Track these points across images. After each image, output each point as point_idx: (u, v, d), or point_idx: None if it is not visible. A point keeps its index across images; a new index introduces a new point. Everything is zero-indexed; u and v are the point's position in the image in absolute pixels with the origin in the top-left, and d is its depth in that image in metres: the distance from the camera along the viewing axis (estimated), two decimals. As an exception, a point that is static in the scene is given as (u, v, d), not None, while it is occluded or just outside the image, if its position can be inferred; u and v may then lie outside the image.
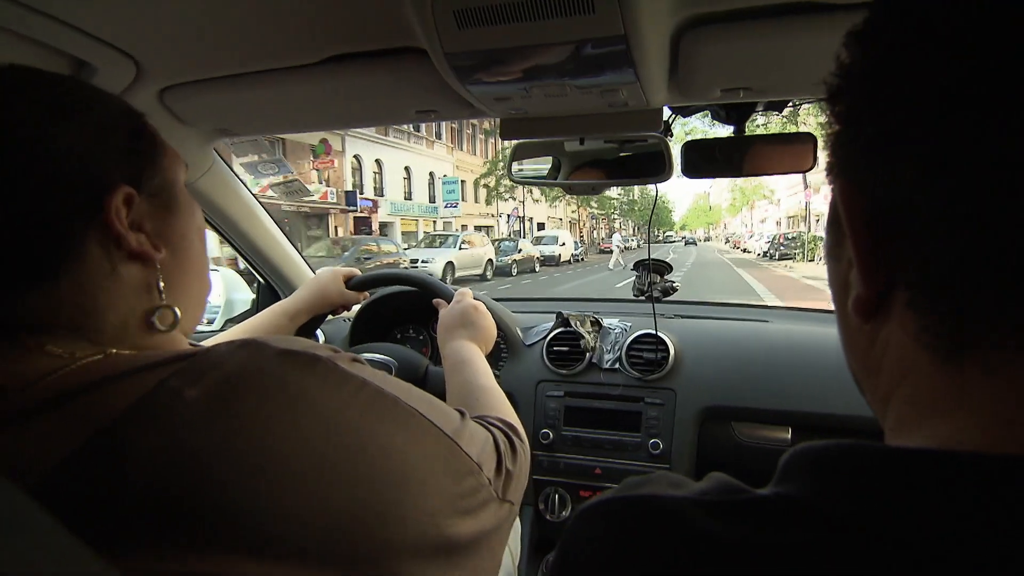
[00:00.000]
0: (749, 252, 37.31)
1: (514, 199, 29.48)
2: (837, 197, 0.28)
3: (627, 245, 48.26)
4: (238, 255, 1.47)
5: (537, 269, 20.60)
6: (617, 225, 66.31)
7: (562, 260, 24.00)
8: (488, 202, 28.84)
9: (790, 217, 47.68)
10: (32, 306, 0.42)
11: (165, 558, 0.35)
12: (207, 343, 0.53)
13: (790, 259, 25.33)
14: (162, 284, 0.47)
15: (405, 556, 0.43)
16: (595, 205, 49.58)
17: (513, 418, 0.69)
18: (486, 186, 27.57)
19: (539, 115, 0.93)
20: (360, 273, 1.14)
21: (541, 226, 37.96)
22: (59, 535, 0.31)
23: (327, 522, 0.39)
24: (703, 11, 0.69)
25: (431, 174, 26.06)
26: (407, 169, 24.50)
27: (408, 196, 24.59)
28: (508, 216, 31.33)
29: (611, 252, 35.85)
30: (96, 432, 0.37)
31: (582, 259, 28.89)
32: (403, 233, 23.45)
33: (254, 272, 1.55)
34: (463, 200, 26.67)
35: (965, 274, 0.23)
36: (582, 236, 51.36)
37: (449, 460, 0.49)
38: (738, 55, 0.76)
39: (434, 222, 25.89)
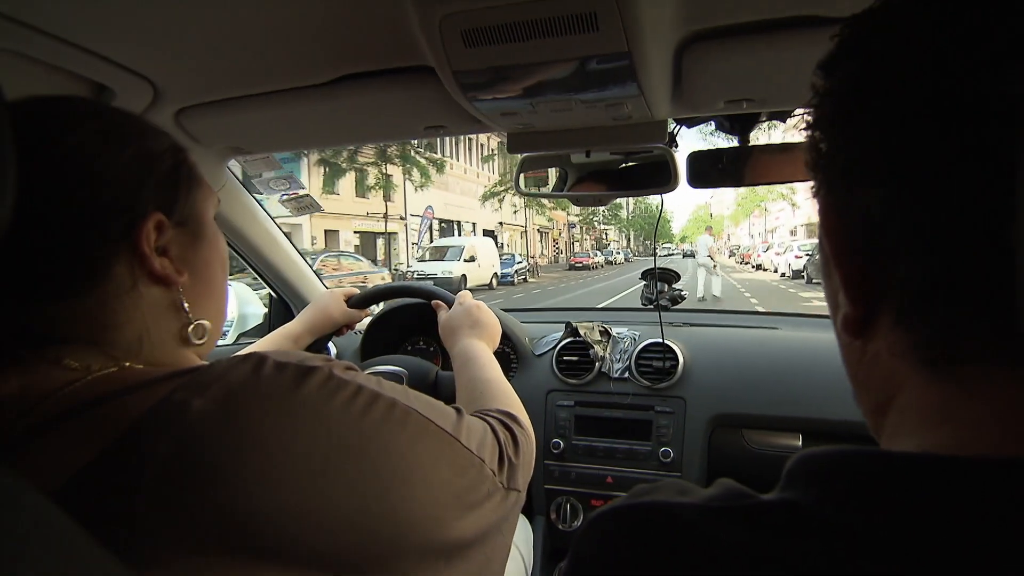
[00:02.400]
0: (766, 269, 26.47)
1: (415, 186, 19.42)
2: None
3: (611, 259, 42.46)
4: (251, 271, 1.49)
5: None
6: (611, 236, 61.42)
7: (467, 285, 15.44)
8: (386, 196, 20.08)
9: (809, 224, 39.05)
10: (55, 319, 0.44)
11: (177, 564, 0.36)
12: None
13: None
14: (187, 305, 0.50)
15: (413, 554, 0.45)
16: (578, 213, 43.10)
17: (516, 407, 0.70)
18: (382, 174, 18.89)
19: (545, 129, 0.95)
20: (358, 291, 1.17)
21: (490, 233, 29.90)
22: (86, 542, 0.32)
23: (336, 524, 0.41)
24: (704, 26, 0.70)
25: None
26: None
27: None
28: (423, 219, 23.01)
29: (588, 268, 32.69)
30: (110, 442, 0.38)
31: (524, 280, 22.70)
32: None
33: (267, 287, 1.57)
34: (331, 191, 18.09)
35: (936, 295, 0.24)
36: (557, 246, 45.53)
37: (450, 455, 0.50)
38: (739, 68, 0.77)
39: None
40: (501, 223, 33.31)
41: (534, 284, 21.98)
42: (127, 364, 0.45)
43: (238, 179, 1.29)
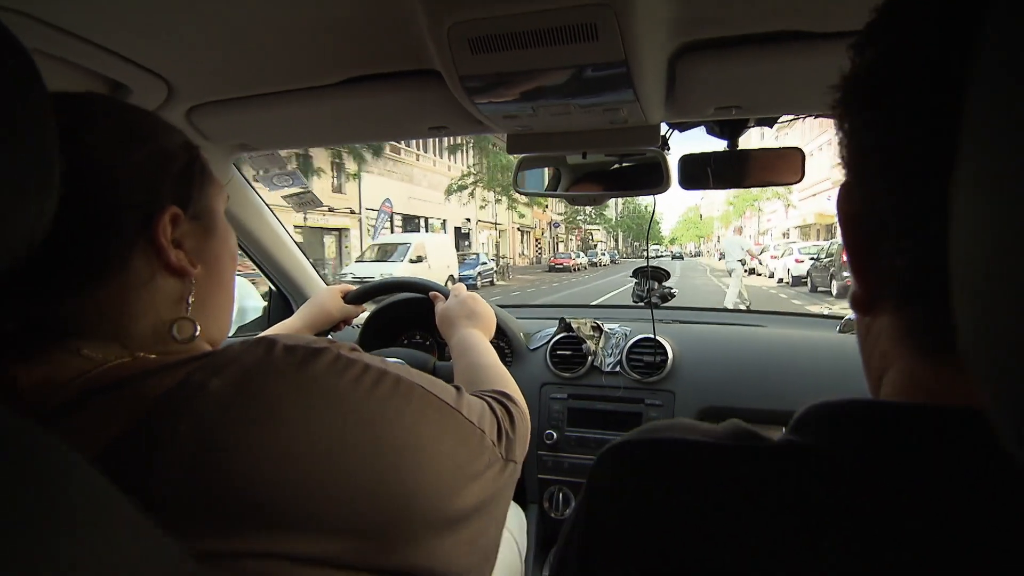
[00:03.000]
0: (759, 275, 22.09)
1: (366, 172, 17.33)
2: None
3: (596, 261, 38.94)
4: (252, 264, 1.52)
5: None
6: (598, 236, 58.13)
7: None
8: (335, 186, 17.75)
9: (803, 227, 37.05)
10: (74, 310, 0.45)
11: (198, 538, 0.37)
12: None
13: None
14: (192, 299, 0.51)
15: (421, 521, 0.47)
16: (561, 212, 40.86)
17: (511, 388, 0.72)
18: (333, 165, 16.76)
19: (544, 131, 0.99)
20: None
21: (465, 235, 28.21)
22: (139, 518, 0.33)
23: (352, 495, 0.43)
24: (697, 38, 0.74)
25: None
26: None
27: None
28: (379, 213, 20.57)
29: (569, 270, 30.13)
30: (131, 423, 0.39)
31: (490, 283, 20.43)
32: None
33: (267, 280, 1.60)
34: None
35: (927, 286, 0.25)
36: (539, 246, 43.19)
37: (453, 427, 0.53)
38: (730, 77, 0.81)
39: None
40: (475, 220, 30.19)
41: (499, 289, 19.22)
42: (140, 354, 0.46)
43: (242, 175, 1.32)
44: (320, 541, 0.41)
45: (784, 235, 41.02)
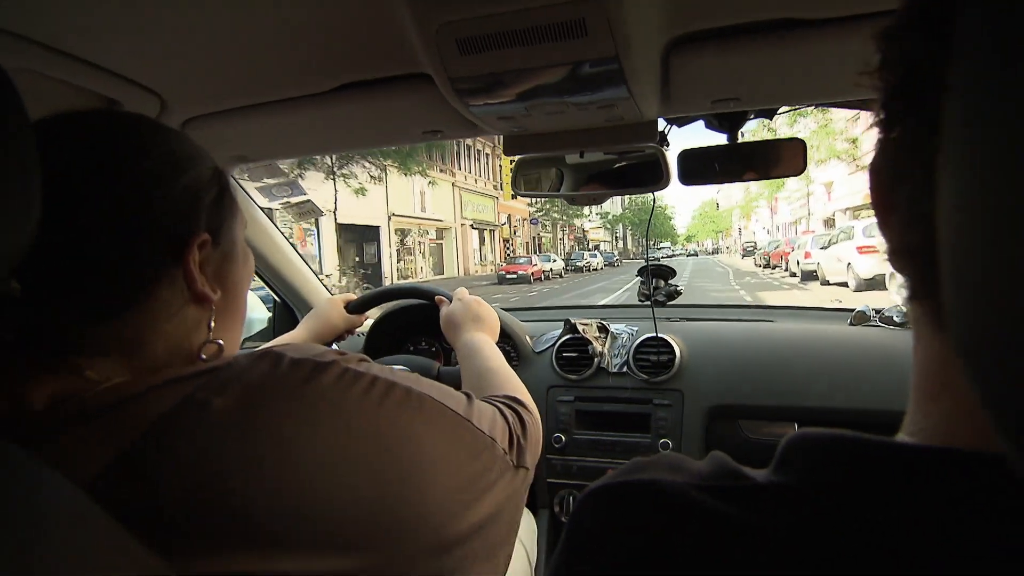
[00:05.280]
0: (826, 283, 13.61)
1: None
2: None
3: (583, 264, 30.57)
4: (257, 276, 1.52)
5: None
6: (598, 235, 51.60)
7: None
8: None
9: (854, 208, 25.61)
10: (95, 336, 0.44)
11: (200, 558, 0.37)
12: None
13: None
14: (213, 323, 0.50)
15: (432, 536, 0.46)
16: (539, 206, 32.17)
17: (521, 392, 0.72)
18: None
19: (540, 131, 0.98)
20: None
21: (371, 230, 20.04)
22: (120, 533, 0.33)
23: (359, 512, 0.42)
24: (689, 30, 0.73)
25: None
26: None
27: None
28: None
29: (527, 280, 21.59)
30: (131, 442, 0.39)
31: None
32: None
33: (271, 292, 1.60)
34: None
35: (929, 263, 0.23)
36: (510, 248, 33.17)
37: (465, 438, 0.52)
38: (725, 69, 0.80)
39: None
40: (387, 215, 21.05)
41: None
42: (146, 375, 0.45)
43: (242, 188, 1.32)
44: (322, 560, 0.40)
45: (828, 223, 29.94)
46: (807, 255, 15.37)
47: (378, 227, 20.96)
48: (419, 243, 24.30)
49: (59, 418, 0.41)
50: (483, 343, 0.88)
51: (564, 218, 39.68)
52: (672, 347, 1.44)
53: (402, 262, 23.04)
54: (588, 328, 1.53)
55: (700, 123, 1.12)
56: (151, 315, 0.46)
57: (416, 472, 0.46)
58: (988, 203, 0.16)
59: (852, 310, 1.57)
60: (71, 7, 0.64)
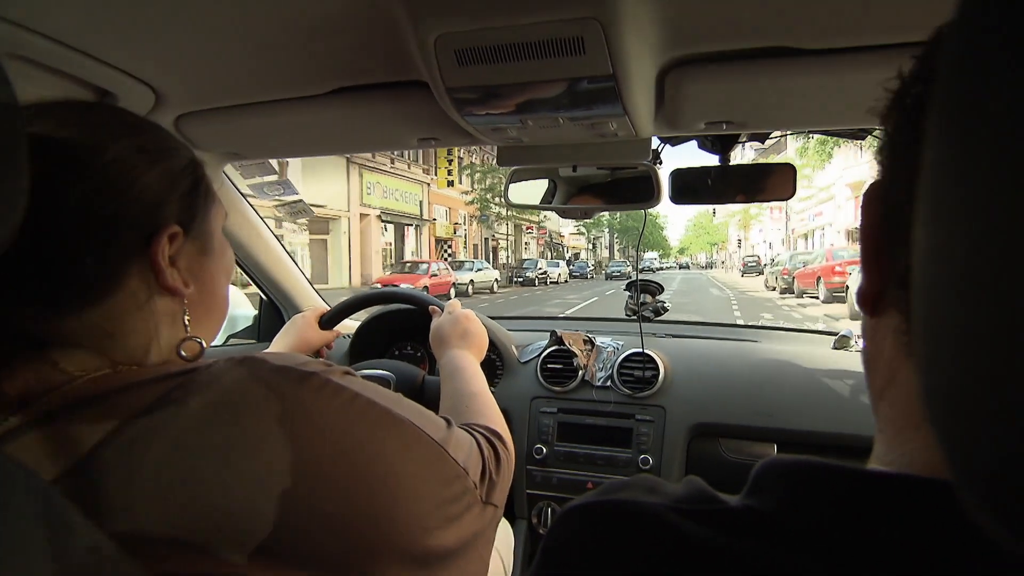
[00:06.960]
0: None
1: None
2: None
3: (535, 275, 23.68)
4: (243, 273, 1.51)
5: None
6: (576, 241, 46.30)
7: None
8: None
9: (852, 229, 21.62)
10: (64, 327, 0.44)
11: (167, 559, 0.37)
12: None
13: None
14: (188, 318, 0.50)
15: (395, 558, 0.45)
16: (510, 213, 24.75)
17: (500, 425, 0.71)
18: None
19: (534, 143, 0.98)
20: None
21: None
22: (89, 528, 0.33)
23: (320, 526, 0.41)
24: (685, 53, 0.74)
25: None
26: None
27: None
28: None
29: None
30: (104, 439, 0.39)
31: None
32: None
33: (258, 289, 1.59)
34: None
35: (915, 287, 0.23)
36: (447, 250, 24.57)
37: (438, 465, 0.51)
38: (719, 92, 0.81)
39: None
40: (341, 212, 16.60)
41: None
42: (122, 368, 0.45)
43: (233, 184, 1.31)
44: (284, 569, 0.40)
45: (852, 236, 23.18)
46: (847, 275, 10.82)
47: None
48: (277, 236, 16.84)
49: (32, 409, 0.40)
50: (466, 363, 0.86)
51: (529, 218, 30.75)
52: (656, 363, 1.44)
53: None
54: (574, 340, 1.54)
55: (694, 143, 1.14)
56: (120, 307, 0.45)
57: (384, 492, 0.45)
58: (955, 267, 0.16)
59: (835, 333, 1.59)
60: None
